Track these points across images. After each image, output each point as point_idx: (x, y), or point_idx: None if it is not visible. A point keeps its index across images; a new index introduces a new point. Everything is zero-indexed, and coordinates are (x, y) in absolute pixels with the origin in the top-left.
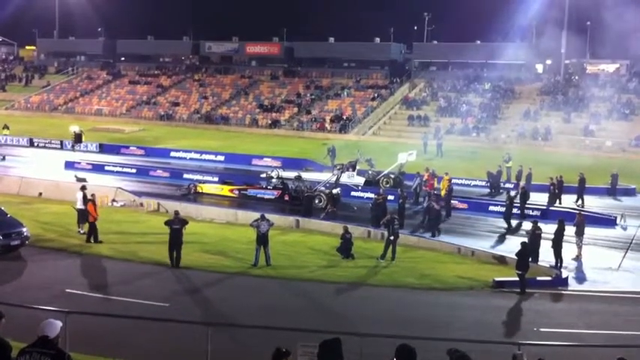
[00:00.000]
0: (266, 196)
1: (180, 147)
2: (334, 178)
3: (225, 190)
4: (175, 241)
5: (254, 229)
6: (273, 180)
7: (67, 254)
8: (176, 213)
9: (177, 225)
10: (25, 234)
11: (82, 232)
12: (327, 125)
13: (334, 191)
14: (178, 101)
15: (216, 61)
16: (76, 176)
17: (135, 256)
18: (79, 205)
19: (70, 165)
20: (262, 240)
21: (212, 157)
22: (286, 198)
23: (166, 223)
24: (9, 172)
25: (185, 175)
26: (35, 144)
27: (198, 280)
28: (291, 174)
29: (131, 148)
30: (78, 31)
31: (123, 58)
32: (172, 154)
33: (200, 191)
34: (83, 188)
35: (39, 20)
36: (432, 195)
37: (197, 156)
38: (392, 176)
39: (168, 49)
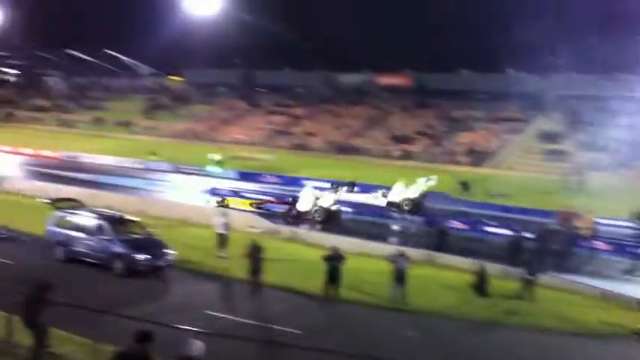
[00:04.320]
0: (276, 209)
1: (313, 176)
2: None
3: (246, 204)
4: (333, 278)
5: (390, 263)
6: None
7: (207, 277)
8: (334, 249)
9: (335, 262)
10: (170, 256)
11: (222, 256)
12: (460, 158)
13: (333, 208)
14: (312, 131)
15: (348, 92)
16: (217, 202)
17: (270, 282)
18: (220, 230)
19: (211, 191)
20: (399, 276)
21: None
22: (293, 212)
23: (324, 258)
24: (156, 196)
25: None
26: (180, 170)
27: (331, 311)
28: None
29: (267, 176)
30: (221, 63)
31: (260, 89)
32: (305, 182)
33: (228, 204)
34: (224, 214)
35: (186, 52)
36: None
37: (329, 186)
38: (412, 199)
39: (302, 80)
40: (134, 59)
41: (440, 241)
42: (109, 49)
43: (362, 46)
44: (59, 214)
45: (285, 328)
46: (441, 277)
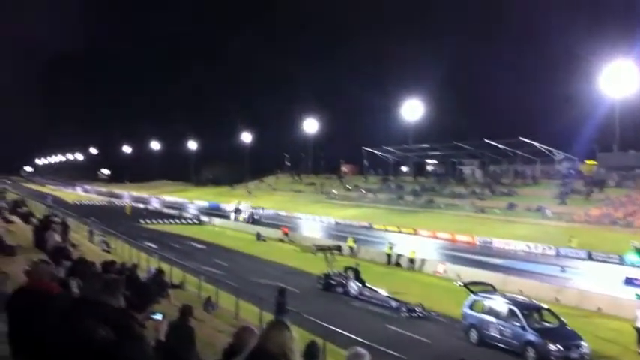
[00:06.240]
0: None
1: None
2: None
3: None
4: None
5: None
6: None
7: None
8: None
9: None
10: (584, 348)
11: None
12: None
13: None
14: None
15: None
16: (637, 294)
17: None
18: (639, 324)
19: (629, 281)
20: None
21: None
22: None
23: None
24: (568, 284)
25: None
26: (593, 257)
27: None
28: None
29: None
30: (638, 144)
31: None
32: None
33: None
34: None
35: (599, 135)
36: None
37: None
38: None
39: None
40: (548, 145)
41: None
42: (524, 137)
43: None
44: (474, 297)
45: None
46: None
